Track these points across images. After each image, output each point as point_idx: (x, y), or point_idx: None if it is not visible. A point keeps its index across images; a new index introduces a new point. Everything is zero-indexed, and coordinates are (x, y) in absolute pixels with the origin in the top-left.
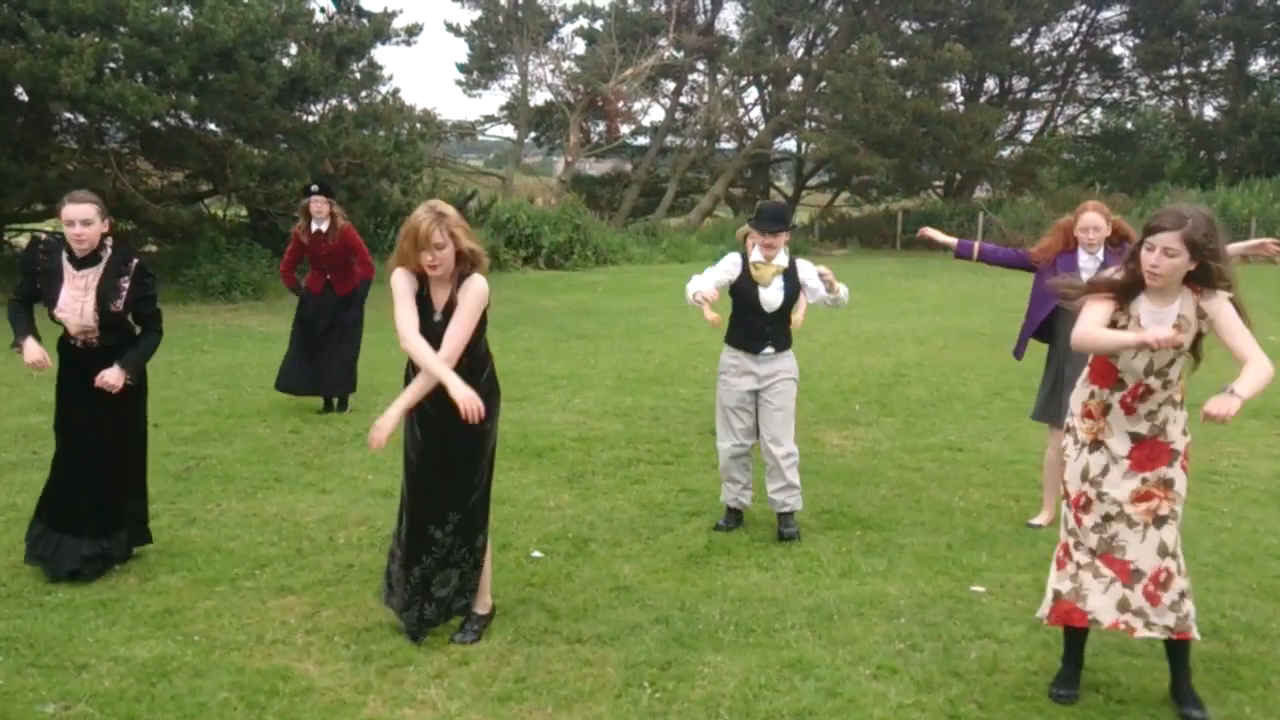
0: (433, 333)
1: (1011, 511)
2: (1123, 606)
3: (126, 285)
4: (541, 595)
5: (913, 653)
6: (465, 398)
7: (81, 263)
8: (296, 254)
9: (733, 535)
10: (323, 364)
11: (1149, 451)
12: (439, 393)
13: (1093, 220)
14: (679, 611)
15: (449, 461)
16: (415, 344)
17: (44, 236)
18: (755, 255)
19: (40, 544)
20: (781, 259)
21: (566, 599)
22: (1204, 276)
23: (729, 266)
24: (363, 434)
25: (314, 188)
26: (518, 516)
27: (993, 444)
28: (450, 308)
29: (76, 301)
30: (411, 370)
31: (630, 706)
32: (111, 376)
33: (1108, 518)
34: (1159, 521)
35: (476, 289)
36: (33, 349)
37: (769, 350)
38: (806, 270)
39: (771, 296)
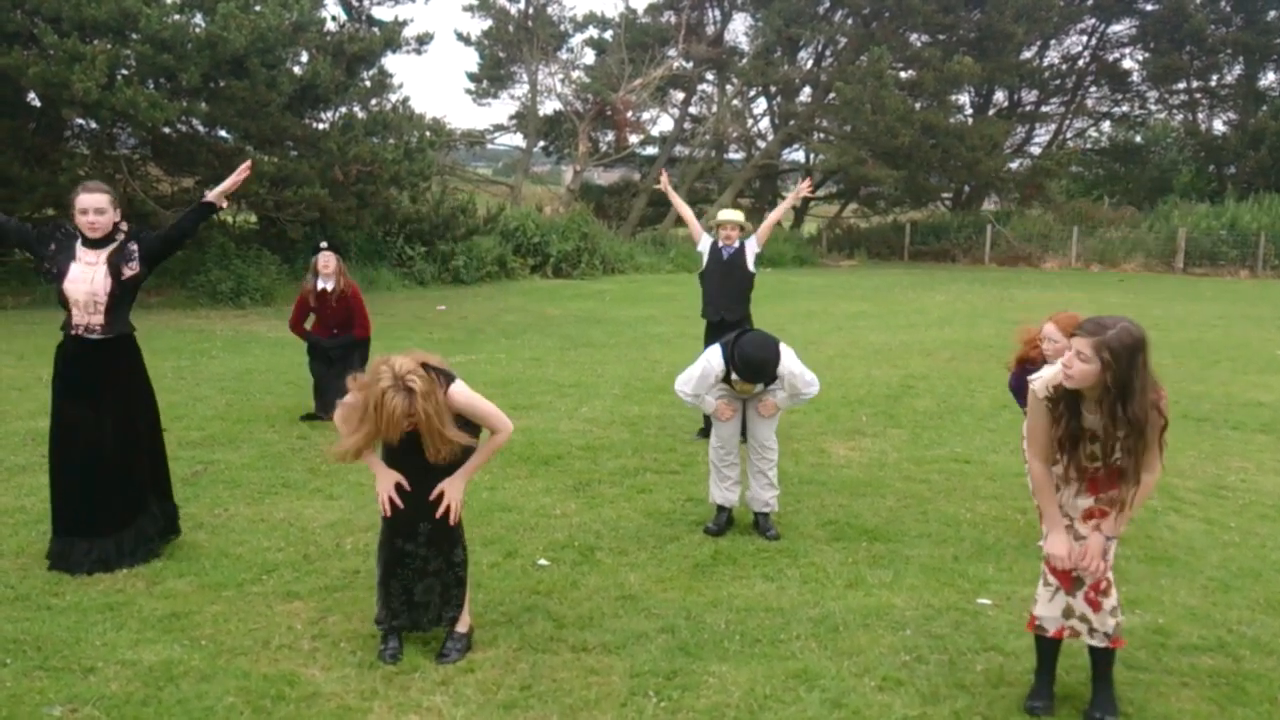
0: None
1: (1018, 524)
2: (1067, 613)
3: (136, 250)
4: (547, 603)
5: (918, 665)
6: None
7: (94, 244)
8: (303, 310)
9: (738, 545)
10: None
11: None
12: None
13: (1049, 331)
14: (684, 621)
15: (412, 474)
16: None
17: (69, 226)
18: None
19: (55, 548)
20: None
21: (572, 607)
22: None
23: (711, 384)
24: None
25: (323, 244)
26: (524, 524)
27: (999, 456)
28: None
29: (87, 272)
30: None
31: (635, 715)
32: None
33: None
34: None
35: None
36: None
37: (758, 388)
38: (788, 367)
39: (753, 399)
